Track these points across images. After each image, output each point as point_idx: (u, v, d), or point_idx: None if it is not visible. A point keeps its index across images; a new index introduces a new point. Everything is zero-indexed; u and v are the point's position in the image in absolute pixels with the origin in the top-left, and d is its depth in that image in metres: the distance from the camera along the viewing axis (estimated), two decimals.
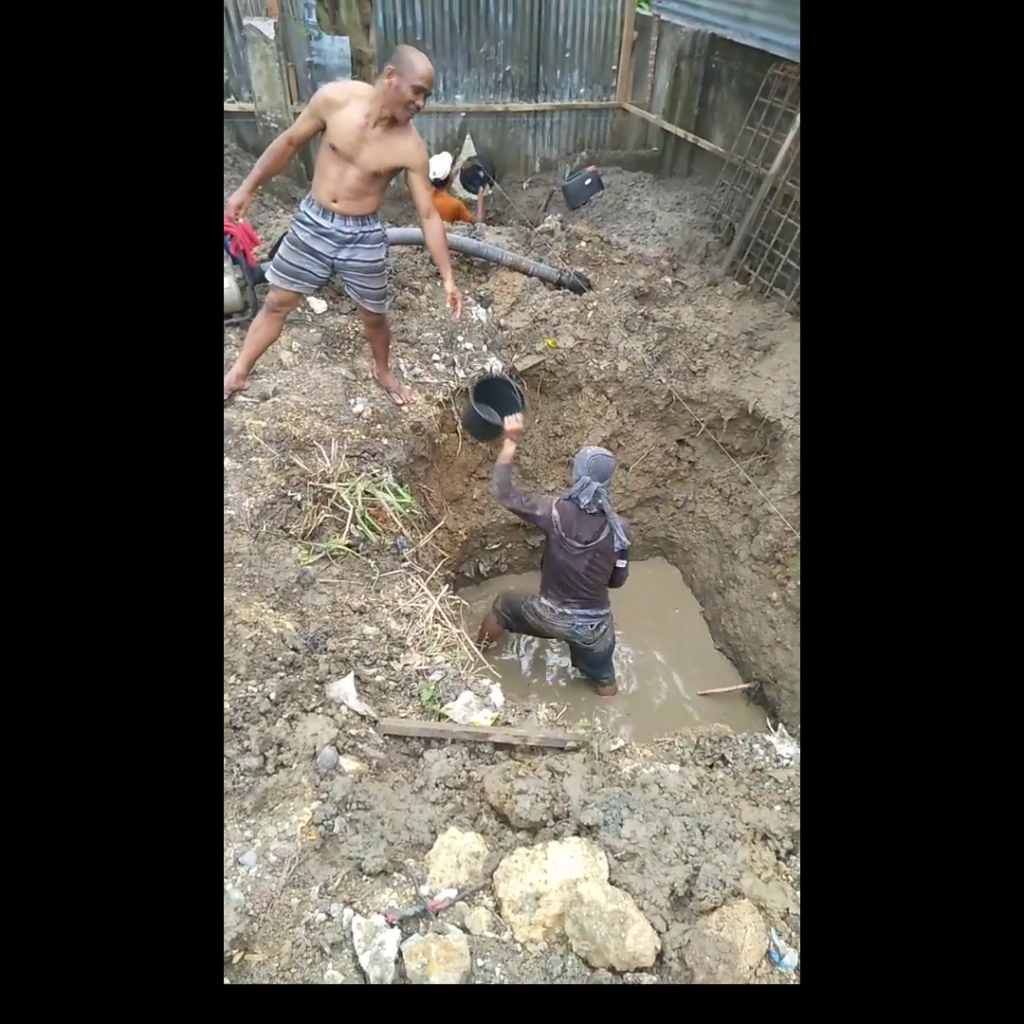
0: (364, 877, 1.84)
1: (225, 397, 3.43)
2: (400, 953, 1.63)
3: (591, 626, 3.64)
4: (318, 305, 4.17)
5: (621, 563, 3.61)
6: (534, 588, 3.83)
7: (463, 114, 6.96)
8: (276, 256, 3.31)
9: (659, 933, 1.74)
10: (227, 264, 3.94)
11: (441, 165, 5.69)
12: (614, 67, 7.17)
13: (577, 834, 1.97)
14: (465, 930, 1.73)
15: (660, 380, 4.57)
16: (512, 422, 3.60)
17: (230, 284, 3.95)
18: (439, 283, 4.68)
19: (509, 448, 3.58)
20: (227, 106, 6.24)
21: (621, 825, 1.96)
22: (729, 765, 2.31)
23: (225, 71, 6.19)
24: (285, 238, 3.29)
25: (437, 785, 2.10)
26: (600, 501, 3.39)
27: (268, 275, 3.33)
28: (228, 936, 1.60)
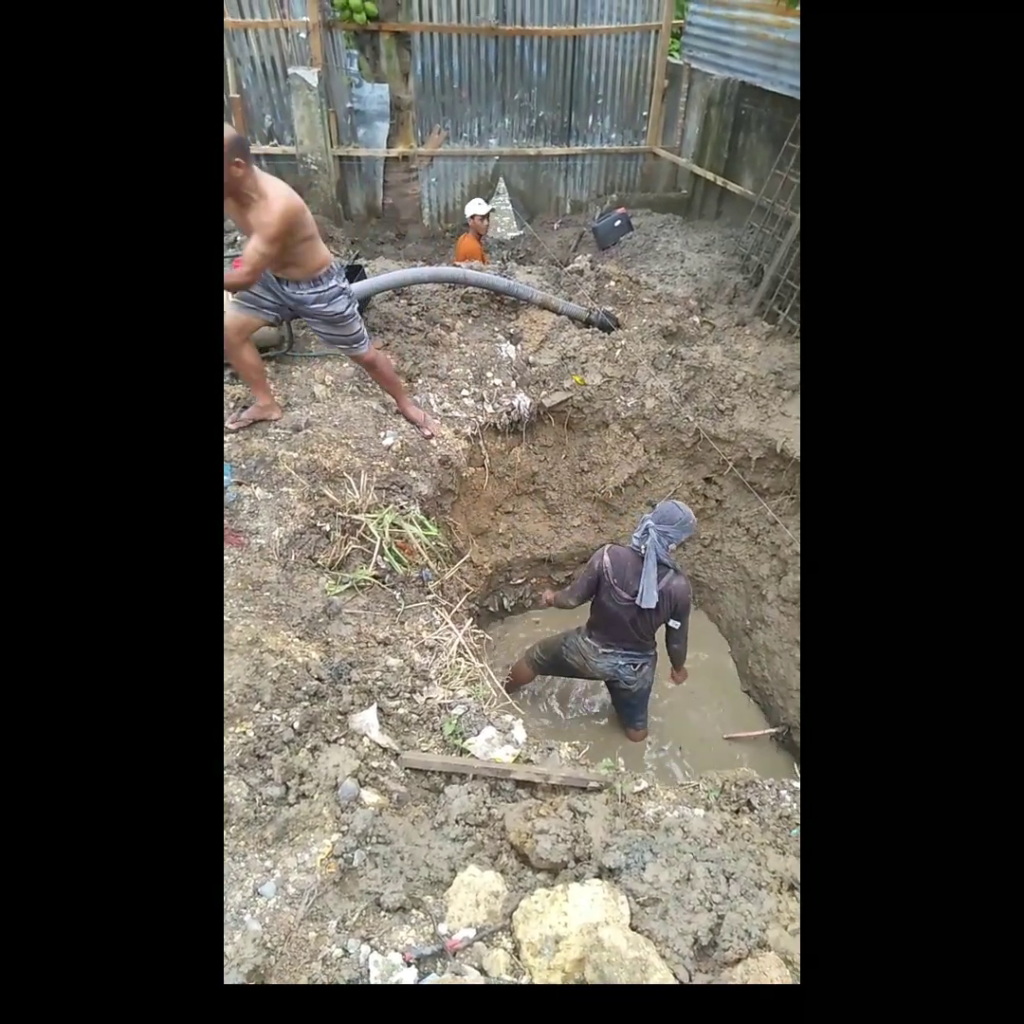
0: (382, 913, 1.82)
1: (244, 426, 3.50)
2: None
3: (634, 667, 3.59)
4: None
5: (674, 623, 3.44)
6: (572, 628, 3.79)
7: (497, 157, 7.15)
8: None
9: (682, 984, 1.69)
10: None
11: (477, 206, 6.15)
12: (645, 113, 7.34)
13: (598, 877, 1.93)
14: (482, 972, 1.70)
15: (687, 418, 4.58)
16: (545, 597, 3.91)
17: None
18: (468, 321, 4.77)
19: (547, 595, 3.85)
20: (269, 149, 6.48)
21: (644, 869, 1.92)
22: (755, 811, 2.26)
23: (269, 116, 6.45)
24: None
25: (457, 821, 2.08)
26: (648, 541, 3.23)
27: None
28: (245, 968, 1.59)
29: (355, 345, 3.54)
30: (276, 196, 2.94)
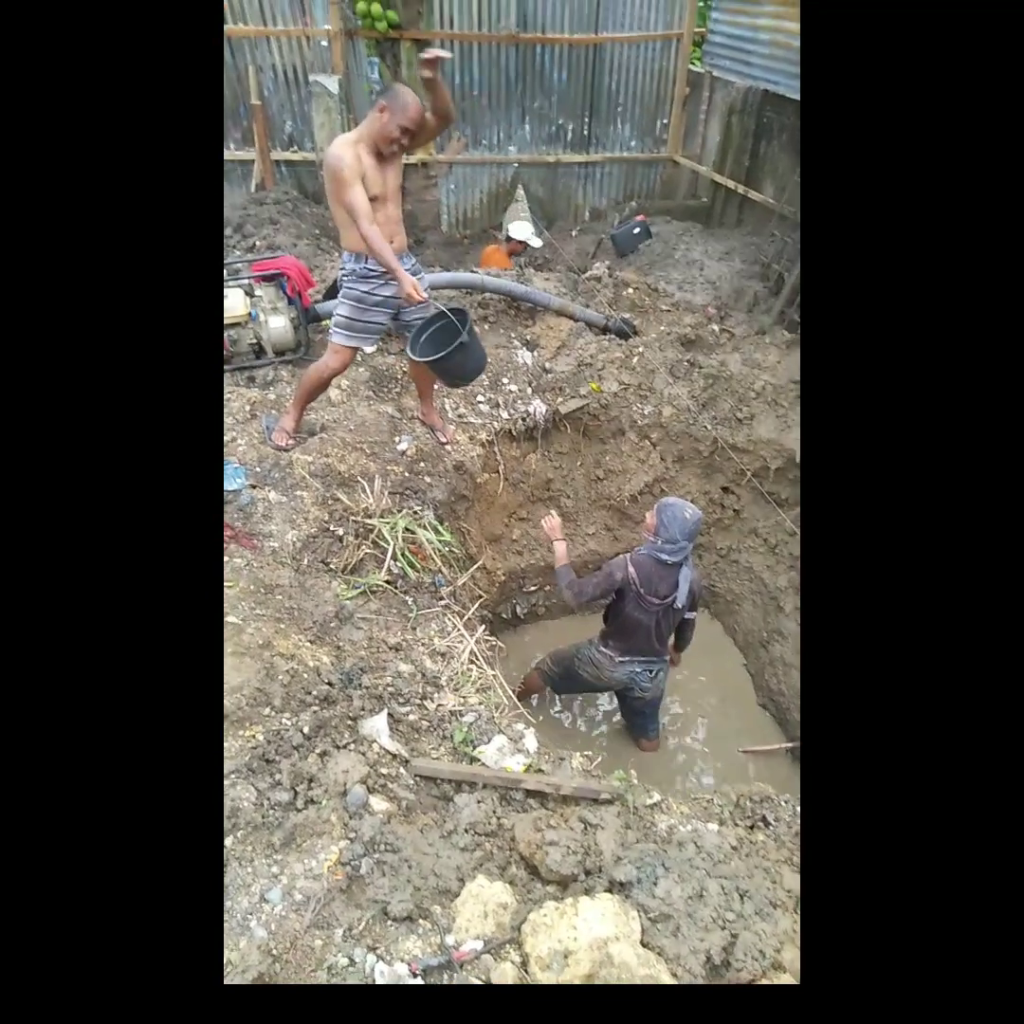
0: (389, 922, 1.79)
1: (301, 443, 3.48)
2: None
3: (649, 673, 3.57)
4: (368, 346, 4.27)
5: (690, 615, 3.59)
6: (582, 639, 3.72)
7: (516, 165, 7.16)
8: (338, 319, 3.32)
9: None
10: (282, 304, 4.08)
11: (526, 230, 6.19)
12: (665, 121, 7.31)
13: (609, 890, 1.89)
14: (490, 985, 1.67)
15: (705, 427, 4.54)
16: (549, 522, 3.58)
17: (284, 323, 4.07)
18: (485, 327, 4.76)
19: (560, 547, 3.51)
20: (290, 155, 6.52)
21: (655, 884, 1.88)
22: (770, 827, 2.21)
23: (289, 123, 6.49)
24: (343, 301, 3.29)
25: (466, 831, 2.05)
26: (685, 556, 3.37)
27: (337, 338, 3.34)
28: (249, 975, 1.57)
29: None
30: None
